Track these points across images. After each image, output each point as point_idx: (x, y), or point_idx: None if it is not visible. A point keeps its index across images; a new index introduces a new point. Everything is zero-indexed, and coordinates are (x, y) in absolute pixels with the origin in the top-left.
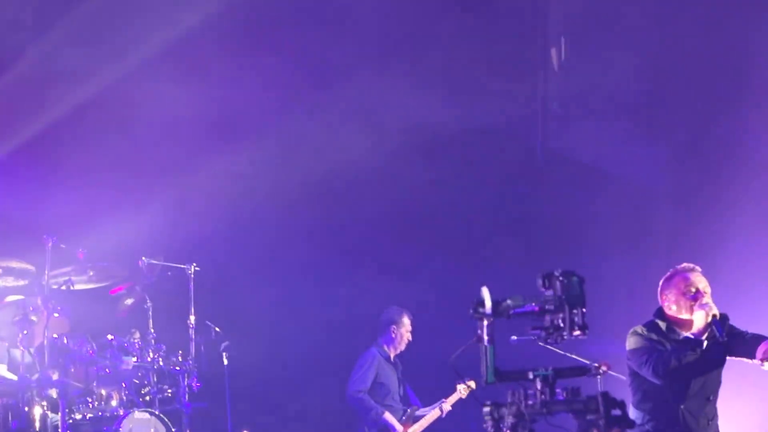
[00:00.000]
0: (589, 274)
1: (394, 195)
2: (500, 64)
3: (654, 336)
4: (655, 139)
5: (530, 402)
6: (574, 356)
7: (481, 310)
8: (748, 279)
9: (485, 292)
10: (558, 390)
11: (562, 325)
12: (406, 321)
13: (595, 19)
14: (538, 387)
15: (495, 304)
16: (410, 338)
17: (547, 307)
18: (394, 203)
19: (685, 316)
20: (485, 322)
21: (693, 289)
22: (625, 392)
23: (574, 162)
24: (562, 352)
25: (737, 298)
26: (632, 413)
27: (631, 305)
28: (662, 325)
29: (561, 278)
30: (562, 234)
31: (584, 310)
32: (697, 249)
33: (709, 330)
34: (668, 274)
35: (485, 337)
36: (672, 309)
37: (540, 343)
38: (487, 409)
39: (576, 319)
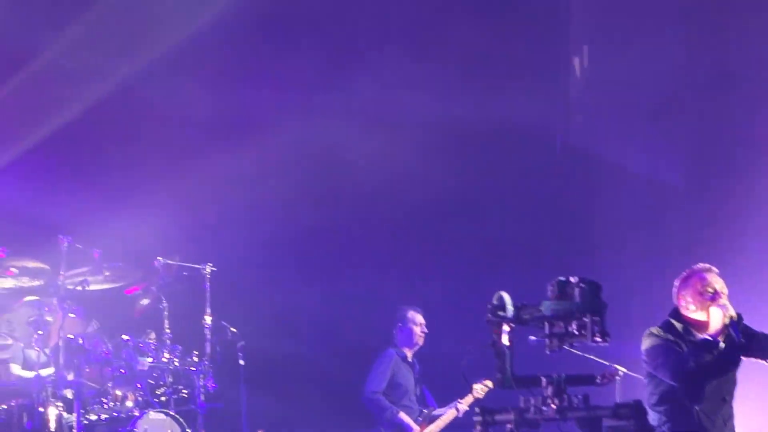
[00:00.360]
0: (605, 272)
1: (413, 193)
2: (522, 64)
3: (670, 337)
4: (673, 137)
5: (543, 408)
6: (592, 357)
7: (501, 314)
8: (764, 278)
9: (506, 297)
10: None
11: (576, 332)
12: (413, 316)
13: (617, 23)
14: (550, 392)
15: (518, 308)
16: (425, 332)
17: (567, 314)
18: (413, 201)
19: (701, 316)
20: (506, 327)
21: (710, 290)
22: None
23: (593, 160)
24: (580, 353)
25: (753, 298)
26: (649, 415)
27: (648, 305)
28: (678, 326)
29: (581, 285)
30: (580, 232)
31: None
32: (713, 248)
33: (726, 331)
34: (685, 274)
35: (506, 342)
36: (689, 309)
37: (560, 348)
38: (478, 416)
39: (597, 326)
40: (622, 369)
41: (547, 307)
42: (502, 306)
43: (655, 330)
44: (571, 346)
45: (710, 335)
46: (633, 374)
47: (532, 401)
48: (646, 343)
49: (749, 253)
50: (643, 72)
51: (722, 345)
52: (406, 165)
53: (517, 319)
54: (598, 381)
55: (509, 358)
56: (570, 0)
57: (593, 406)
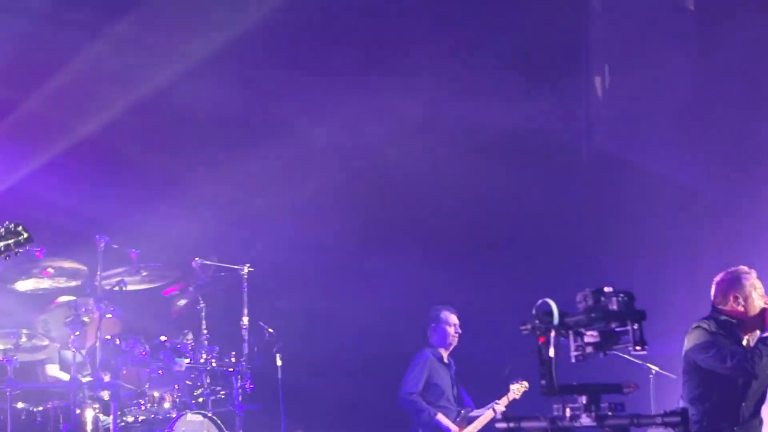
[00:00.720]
0: (632, 274)
1: (445, 197)
2: (548, 72)
3: (722, 332)
4: (697, 141)
5: (581, 416)
6: (627, 357)
7: (548, 321)
8: None
9: (553, 304)
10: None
11: (615, 341)
12: (447, 317)
13: (638, 34)
14: (585, 400)
15: (563, 316)
16: (458, 332)
17: (608, 322)
18: (446, 204)
19: (751, 316)
20: (552, 334)
21: (761, 292)
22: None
23: (618, 164)
24: (619, 353)
25: None
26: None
27: (674, 305)
28: (733, 321)
29: (620, 294)
30: (606, 235)
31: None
32: (737, 249)
33: None
34: (731, 275)
35: (551, 350)
36: (740, 309)
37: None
38: (502, 423)
39: (636, 335)
40: (654, 367)
41: (591, 315)
42: (549, 313)
43: (705, 325)
44: (605, 354)
45: None
46: (666, 373)
47: (567, 409)
48: (698, 338)
49: None
50: (664, 77)
51: None
52: (439, 169)
53: (564, 327)
54: (624, 390)
55: (554, 366)
56: (591, 13)
57: (635, 414)
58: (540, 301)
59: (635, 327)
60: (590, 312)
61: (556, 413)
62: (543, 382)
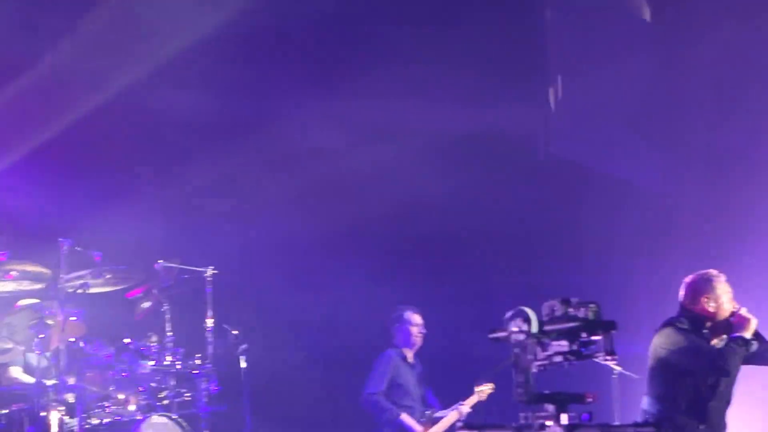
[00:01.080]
0: (590, 276)
1: (405, 199)
2: (505, 75)
3: (696, 331)
4: (659, 145)
5: (548, 425)
6: (597, 360)
7: (525, 329)
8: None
9: (531, 312)
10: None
11: (585, 350)
12: (410, 317)
13: (596, 39)
14: (553, 410)
15: (541, 324)
16: (422, 332)
17: (581, 332)
18: (406, 207)
19: (720, 318)
20: (529, 342)
21: (730, 295)
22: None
23: (578, 168)
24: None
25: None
26: (652, 405)
27: (635, 306)
28: (703, 322)
29: (590, 305)
30: (564, 237)
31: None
32: (695, 250)
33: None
34: (702, 277)
35: (528, 357)
36: (711, 310)
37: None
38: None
39: (608, 345)
40: (616, 368)
41: (572, 324)
42: (527, 321)
43: (680, 324)
44: (570, 364)
45: (741, 335)
46: (628, 373)
47: (534, 418)
48: (672, 336)
49: (742, 254)
50: (624, 83)
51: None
52: (399, 173)
53: (543, 335)
54: (585, 400)
55: (531, 374)
56: (546, 20)
57: (605, 424)
58: (515, 309)
59: (606, 336)
60: (567, 321)
61: (523, 421)
62: (519, 390)
